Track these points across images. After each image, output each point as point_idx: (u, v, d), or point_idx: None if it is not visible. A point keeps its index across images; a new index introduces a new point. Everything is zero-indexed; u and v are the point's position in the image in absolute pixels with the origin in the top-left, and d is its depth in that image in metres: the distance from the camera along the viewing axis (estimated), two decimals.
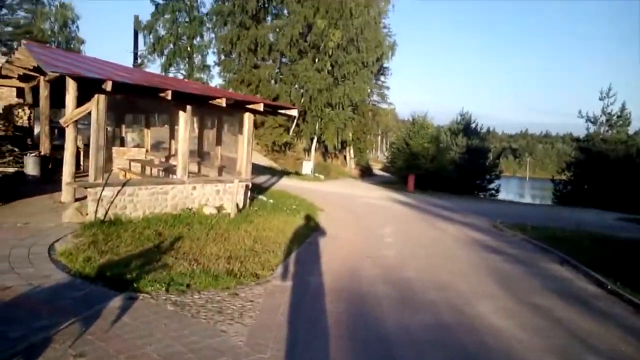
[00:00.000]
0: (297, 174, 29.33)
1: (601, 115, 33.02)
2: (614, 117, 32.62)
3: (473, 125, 37.97)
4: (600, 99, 32.83)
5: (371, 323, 5.15)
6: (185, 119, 10.47)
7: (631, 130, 33.40)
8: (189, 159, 11.02)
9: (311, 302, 5.63)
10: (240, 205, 11.71)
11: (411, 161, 30.62)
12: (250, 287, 6.07)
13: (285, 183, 21.03)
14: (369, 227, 11.81)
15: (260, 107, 11.55)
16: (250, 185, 12.48)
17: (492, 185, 36.07)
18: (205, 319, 4.70)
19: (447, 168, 31.01)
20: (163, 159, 16.47)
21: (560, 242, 10.80)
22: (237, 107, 11.66)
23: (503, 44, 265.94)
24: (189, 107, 10.42)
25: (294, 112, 12.92)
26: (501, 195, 37.17)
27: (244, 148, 12.08)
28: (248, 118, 11.97)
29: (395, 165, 32.59)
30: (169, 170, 13.47)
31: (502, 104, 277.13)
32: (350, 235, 10.45)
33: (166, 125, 20.41)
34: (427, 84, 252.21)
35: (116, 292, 5.16)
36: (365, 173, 47.25)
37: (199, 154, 15.43)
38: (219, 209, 10.95)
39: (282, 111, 13.10)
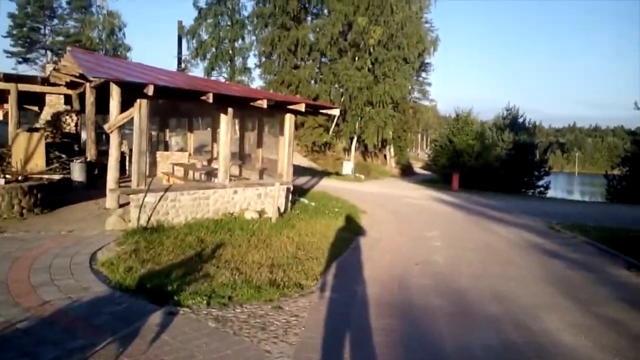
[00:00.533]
0: (338, 174, 28.99)
1: None
2: None
3: (520, 120, 36.47)
4: None
5: (427, 343, 4.72)
6: (226, 122, 10.32)
7: None
8: (230, 161, 10.88)
9: (360, 318, 5.26)
10: (282, 209, 11.47)
11: (455, 159, 29.65)
12: (294, 299, 5.76)
13: (325, 184, 20.74)
14: (414, 230, 11.31)
15: (301, 107, 11.28)
16: (291, 187, 12.23)
17: (541, 182, 34.47)
18: (248, 336, 4.41)
19: (493, 165, 29.82)
20: (205, 162, 16.50)
21: (625, 245, 9.96)
22: (278, 108, 11.44)
23: (546, 35, 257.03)
24: (230, 110, 10.26)
25: (335, 112, 12.58)
26: (550, 193, 35.50)
27: (285, 150, 11.84)
28: (289, 119, 11.72)
29: (437, 163, 31.69)
30: (211, 173, 13.42)
31: (548, 98, 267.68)
32: (395, 239, 10.00)
33: (209, 129, 20.52)
34: (467, 79, 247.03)
35: (156, 306, 4.96)
36: (406, 172, 46.35)
37: (240, 157, 15.35)
38: (261, 213, 10.74)
39: (324, 111, 12.79)
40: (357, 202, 15.07)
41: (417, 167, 54.03)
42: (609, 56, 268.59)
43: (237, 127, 16.42)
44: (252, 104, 10.51)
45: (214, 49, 40.61)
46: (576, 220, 13.60)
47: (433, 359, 4.34)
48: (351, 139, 39.42)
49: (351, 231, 10.28)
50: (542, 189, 34.11)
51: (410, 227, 11.65)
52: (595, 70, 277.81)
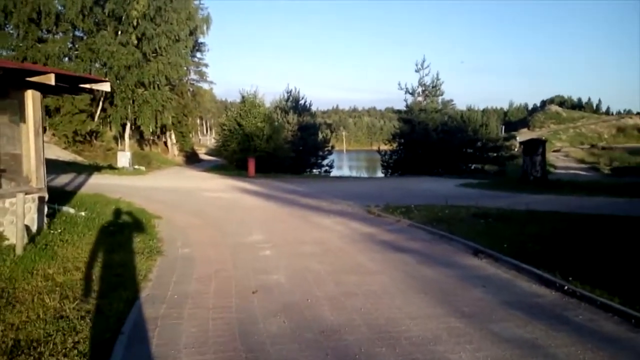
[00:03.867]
0: (112, 168, 24.39)
1: (418, 87, 34.77)
2: (429, 88, 34.61)
3: (302, 102, 36.94)
4: (416, 71, 34.48)
5: None
6: None
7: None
8: None
9: None
10: (34, 230, 7.76)
11: (246, 143, 27.95)
12: None
13: (98, 182, 16.61)
14: (231, 236, 8.93)
15: (50, 79, 7.58)
16: (46, 195, 8.49)
17: (325, 162, 35.67)
18: None
19: (284, 147, 29.20)
20: None
21: (449, 224, 9.51)
22: (12, 82, 7.59)
23: (308, 20, 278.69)
24: None
25: (105, 87, 9.12)
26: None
27: (31, 142, 8.09)
28: (32, 98, 7.99)
29: (228, 149, 29.59)
30: None
31: (313, 82, 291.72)
32: (212, 254, 7.48)
33: None
34: (242, 63, 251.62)
35: None
36: (192, 159, 43.20)
37: None
38: None
39: (87, 85, 9.19)
40: (146, 202, 11.89)
41: (202, 154, 51.11)
42: (366, 47, 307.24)
43: None
44: None
45: None
46: (381, 200, 13.14)
47: None
48: (123, 125, 34.37)
49: (148, 250, 7.34)
50: (327, 167, 35.30)
51: (224, 233, 9.20)
52: (354, 59, 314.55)
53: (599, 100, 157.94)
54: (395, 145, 35.23)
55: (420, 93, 34.83)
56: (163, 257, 7.18)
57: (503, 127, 70.14)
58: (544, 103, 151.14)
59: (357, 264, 6.98)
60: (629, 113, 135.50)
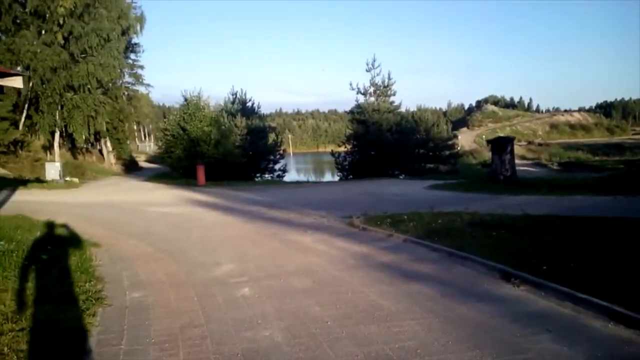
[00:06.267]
0: (40, 181, 21.46)
1: (370, 87, 33.80)
2: (381, 88, 33.70)
3: (249, 104, 34.97)
4: (367, 71, 33.50)
5: None
6: None
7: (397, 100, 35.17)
8: None
9: None
10: None
11: (192, 149, 25.69)
12: None
13: (22, 199, 14.09)
14: (193, 268, 7.04)
15: None
16: None
17: (278, 166, 33.89)
18: None
19: (234, 152, 27.14)
20: None
21: (452, 237, 8.15)
22: None
23: (246, 21, 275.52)
24: None
25: (17, 82, 7.07)
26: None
27: None
28: None
29: (172, 155, 27.13)
30: None
31: (255, 85, 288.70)
32: (172, 299, 5.61)
33: None
34: (173, 66, 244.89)
35: None
36: (131, 168, 40.02)
37: None
38: None
39: None
40: (79, 224, 9.74)
41: (142, 161, 47.72)
42: (308, 49, 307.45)
43: None
44: None
45: None
46: (360, 209, 11.71)
47: None
48: (52, 133, 31.02)
49: (84, 296, 5.38)
50: (280, 172, 33.56)
51: (184, 263, 7.30)
52: (295, 61, 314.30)
53: (530, 99, 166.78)
54: (349, 147, 34.08)
55: (372, 93, 33.88)
56: (105, 308, 5.26)
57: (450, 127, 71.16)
58: (479, 103, 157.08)
59: (368, 303, 5.36)
60: (557, 110, 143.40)
